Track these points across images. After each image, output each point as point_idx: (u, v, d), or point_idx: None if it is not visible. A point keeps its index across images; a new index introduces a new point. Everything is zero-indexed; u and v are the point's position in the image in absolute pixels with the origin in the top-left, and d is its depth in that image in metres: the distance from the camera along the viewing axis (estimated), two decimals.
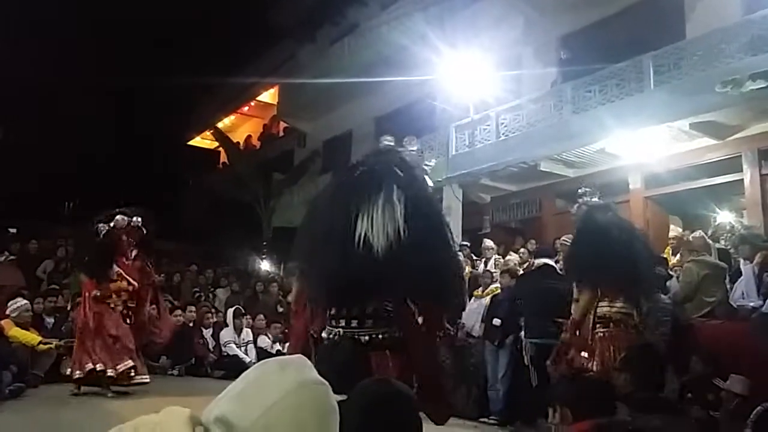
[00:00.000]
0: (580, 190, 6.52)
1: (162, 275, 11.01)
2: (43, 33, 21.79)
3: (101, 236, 7.59)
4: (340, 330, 3.69)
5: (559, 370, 5.40)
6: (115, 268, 7.62)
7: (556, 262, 7.33)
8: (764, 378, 5.60)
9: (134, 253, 7.91)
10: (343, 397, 2.18)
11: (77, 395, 7.32)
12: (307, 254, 3.88)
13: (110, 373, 7.23)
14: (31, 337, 7.96)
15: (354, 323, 3.67)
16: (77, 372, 7.28)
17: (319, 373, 1.23)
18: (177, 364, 9.66)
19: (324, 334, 3.87)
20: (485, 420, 7.49)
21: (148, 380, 7.61)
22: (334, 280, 3.55)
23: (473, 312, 8.22)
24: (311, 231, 3.89)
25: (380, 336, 3.66)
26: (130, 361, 7.36)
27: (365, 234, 3.45)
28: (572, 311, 5.44)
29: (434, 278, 3.61)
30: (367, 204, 3.54)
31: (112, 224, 7.59)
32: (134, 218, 7.77)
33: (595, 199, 6.19)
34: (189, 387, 8.31)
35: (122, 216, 7.69)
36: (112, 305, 7.51)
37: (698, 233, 8.27)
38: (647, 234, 6.15)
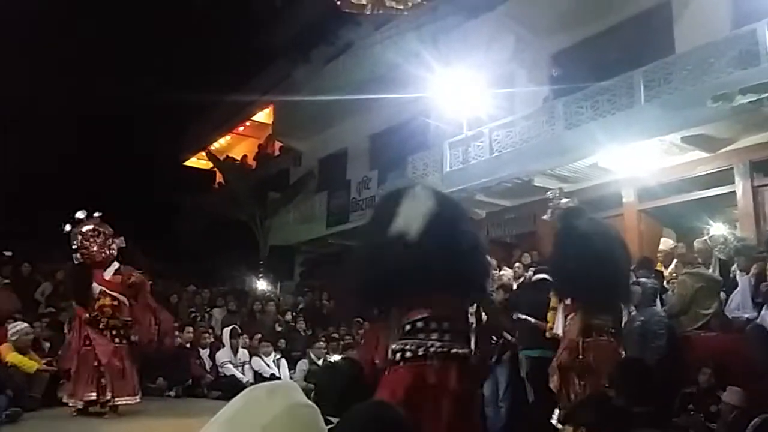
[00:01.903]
0: (548, 194, 6.48)
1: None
2: (35, 46, 21.83)
3: (73, 247, 7.53)
4: (434, 343, 3.39)
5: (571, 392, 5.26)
6: (96, 286, 7.57)
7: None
8: (761, 389, 5.61)
9: (115, 267, 7.75)
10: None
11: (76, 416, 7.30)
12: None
13: (108, 400, 7.26)
14: (30, 364, 7.90)
15: (447, 336, 3.41)
16: (77, 402, 7.26)
17: (318, 396, 1.25)
18: (174, 385, 9.60)
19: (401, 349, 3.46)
20: None
21: (136, 401, 7.58)
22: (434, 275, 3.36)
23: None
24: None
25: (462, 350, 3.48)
26: (127, 396, 7.35)
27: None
28: (562, 329, 5.36)
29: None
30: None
31: (77, 228, 7.53)
32: (94, 218, 7.64)
33: (565, 201, 6.13)
34: (186, 408, 8.26)
35: (91, 224, 7.61)
36: (102, 327, 7.46)
37: (699, 241, 8.34)
38: (623, 237, 6.02)
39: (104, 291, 7.53)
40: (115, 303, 7.54)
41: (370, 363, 3.66)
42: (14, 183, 20.22)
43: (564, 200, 6.01)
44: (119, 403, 7.33)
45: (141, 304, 7.83)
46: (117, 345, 7.49)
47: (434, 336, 3.40)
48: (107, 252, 7.69)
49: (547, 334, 5.98)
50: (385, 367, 3.51)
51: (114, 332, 7.51)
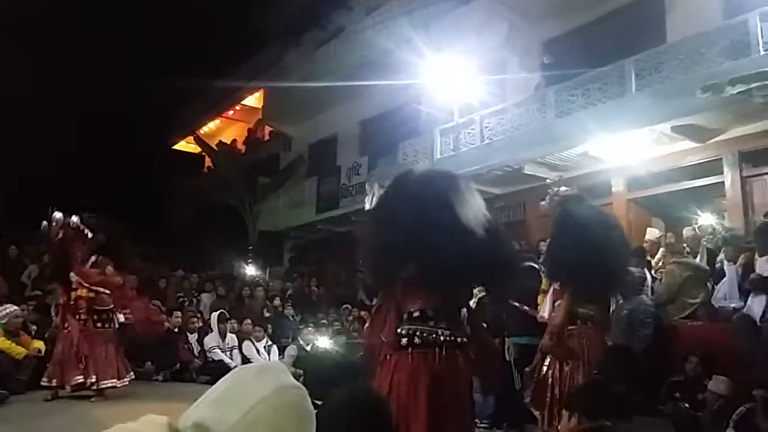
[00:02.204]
0: (548, 180, 6.49)
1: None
2: (23, 32, 21.59)
3: (52, 239, 7.57)
4: (439, 330, 3.41)
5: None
6: (74, 277, 7.56)
7: (540, 263, 7.38)
8: (746, 379, 5.66)
9: (92, 260, 7.74)
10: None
11: (51, 400, 7.30)
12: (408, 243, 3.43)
13: (93, 383, 7.28)
14: (18, 350, 7.89)
15: (443, 324, 3.43)
16: (63, 383, 7.31)
17: (307, 379, 1.24)
18: (161, 369, 9.59)
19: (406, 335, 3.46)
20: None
21: (123, 384, 7.62)
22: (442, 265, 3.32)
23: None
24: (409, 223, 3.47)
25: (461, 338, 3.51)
26: (111, 379, 7.41)
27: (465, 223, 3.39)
28: (548, 314, 5.37)
29: (507, 270, 3.70)
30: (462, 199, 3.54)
31: (53, 224, 7.54)
32: (72, 218, 7.58)
33: (564, 189, 6.13)
34: (173, 392, 8.25)
35: (60, 213, 7.59)
36: (79, 314, 7.47)
37: (688, 229, 8.38)
38: (621, 226, 6.04)
39: (80, 282, 7.53)
40: (92, 294, 7.54)
41: (379, 346, 3.64)
42: (3, 168, 20.03)
43: (563, 188, 6.01)
44: (104, 386, 7.34)
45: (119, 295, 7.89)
46: (99, 329, 7.51)
47: (442, 324, 3.42)
48: (84, 248, 7.70)
49: (538, 318, 6.01)
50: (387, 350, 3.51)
51: (95, 317, 7.53)
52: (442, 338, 3.39)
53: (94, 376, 7.28)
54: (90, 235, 7.69)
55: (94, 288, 7.55)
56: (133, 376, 7.88)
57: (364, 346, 3.62)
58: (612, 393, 3.52)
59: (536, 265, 7.22)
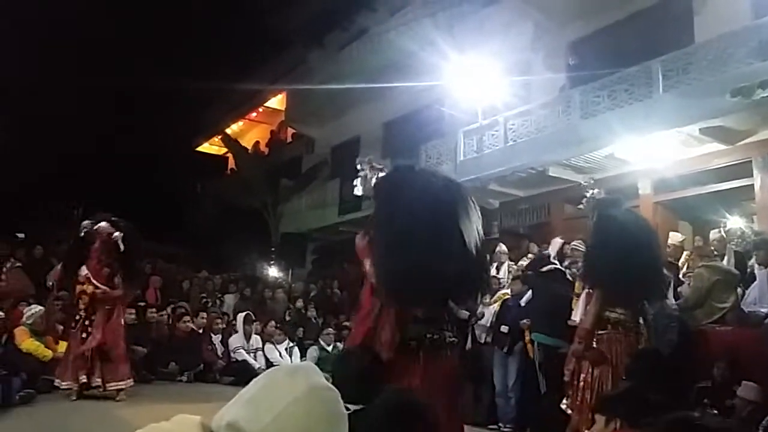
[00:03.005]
0: (584, 182, 6.47)
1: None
2: (48, 33, 21.91)
3: (80, 234, 7.63)
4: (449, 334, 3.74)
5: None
6: (83, 270, 7.61)
7: (566, 267, 7.32)
8: None
9: (106, 262, 7.74)
10: (358, 406, 2.20)
11: (76, 399, 7.35)
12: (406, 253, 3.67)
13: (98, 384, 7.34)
14: (44, 352, 7.96)
15: (452, 327, 3.79)
16: (72, 384, 7.33)
17: (336, 382, 1.23)
18: (185, 370, 9.64)
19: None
20: (494, 428, 7.47)
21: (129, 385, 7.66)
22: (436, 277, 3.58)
23: (482, 319, 8.19)
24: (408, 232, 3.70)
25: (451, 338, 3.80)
26: (119, 381, 7.45)
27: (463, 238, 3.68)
28: (580, 318, 5.33)
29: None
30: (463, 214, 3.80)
31: (95, 227, 7.60)
32: (116, 233, 7.63)
33: (598, 191, 6.10)
34: (198, 393, 8.30)
35: (107, 224, 7.64)
36: (77, 315, 7.52)
37: (715, 232, 8.25)
38: (657, 232, 5.99)
39: (89, 277, 7.57)
40: (98, 291, 7.57)
41: (371, 333, 3.74)
42: (29, 167, 20.33)
43: (599, 191, 6.00)
44: (111, 387, 7.38)
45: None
46: (105, 327, 7.53)
47: (447, 326, 3.50)
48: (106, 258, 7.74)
49: (569, 322, 5.99)
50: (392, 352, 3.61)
51: (94, 318, 7.58)
52: (448, 341, 3.63)
53: (98, 379, 7.33)
54: (122, 247, 7.72)
55: (101, 286, 7.59)
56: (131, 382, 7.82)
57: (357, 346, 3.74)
58: (652, 399, 3.46)
59: (563, 268, 7.17)
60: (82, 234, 7.66)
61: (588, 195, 5.82)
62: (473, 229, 3.79)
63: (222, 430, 1.16)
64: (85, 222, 7.69)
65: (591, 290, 5.17)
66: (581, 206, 6.00)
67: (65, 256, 7.90)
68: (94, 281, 7.56)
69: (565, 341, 6.12)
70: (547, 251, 7.92)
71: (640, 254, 4.86)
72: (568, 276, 7.03)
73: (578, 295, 5.77)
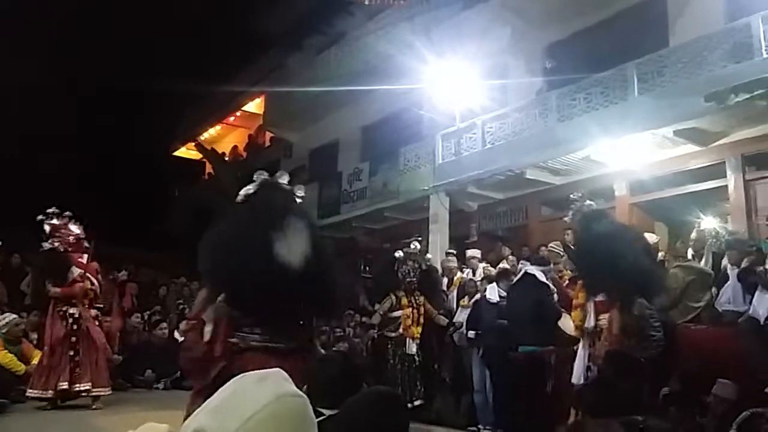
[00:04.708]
0: (572, 196, 6.55)
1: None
2: (20, 35, 21.61)
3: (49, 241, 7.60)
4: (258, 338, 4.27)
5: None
6: (75, 269, 7.54)
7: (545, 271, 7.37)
8: (751, 383, 5.62)
9: (86, 256, 7.81)
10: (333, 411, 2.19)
11: (50, 409, 7.24)
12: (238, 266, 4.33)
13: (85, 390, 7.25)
14: (17, 367, 7.83)
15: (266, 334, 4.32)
16: (46, 393, 7.24)
17: (310, 388, 1.21)
18: (162, 377, 9.55)
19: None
20: (474, 429, 7.48)
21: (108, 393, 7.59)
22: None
23: (460, 321, 8.20)
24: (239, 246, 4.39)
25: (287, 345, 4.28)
26: (88, 383, 7.39)
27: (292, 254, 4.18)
28: (579, 320, 5.47)
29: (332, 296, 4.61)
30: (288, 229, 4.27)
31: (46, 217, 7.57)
32: (71, 226, 7.71)
33: (588, 203, 6.19)
34: (175, 400, 8.16)
35: (57, 220, 7.68)
36: (71, 320, 7.42)
37: (696, 231, 8.36)
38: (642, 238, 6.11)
39: (83, 274, 7.50)
40: (95, 287, 7.54)
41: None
42: (4, 174, 20.02)
43: (587, 202, 6.11)
44: (95, 393, 7.31)
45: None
46: (91, 332, 7.48)
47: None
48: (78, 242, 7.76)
49: (573, 332, 6.10)
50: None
51: (93, 316, 7.53)
52: (272, 345, 4.19)
53: (88, 384, 7.23)
54: (87, 244, 7.71)
55: (95, 280, 7.56)
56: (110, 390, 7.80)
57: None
58: (616, 391, 3.50)
59: (534, 271, 7.20)
60: (50, 249, 7.60)
61: (573, 207, 5.93)
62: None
63: None
64: (45, 244, 7.62)
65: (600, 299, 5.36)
66: (567, 219, 6.13)
67: (44, 272, 7.85)
68: (91, 277, 7.54)
69: (549, 345, 6.25)
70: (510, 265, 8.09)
71: (630, 257, 5.04)
72: (543, 279, 7.06)
73: (582, 305, 5.92)
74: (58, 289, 7.50)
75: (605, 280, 5.30)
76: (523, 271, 7.37)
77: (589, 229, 5.62)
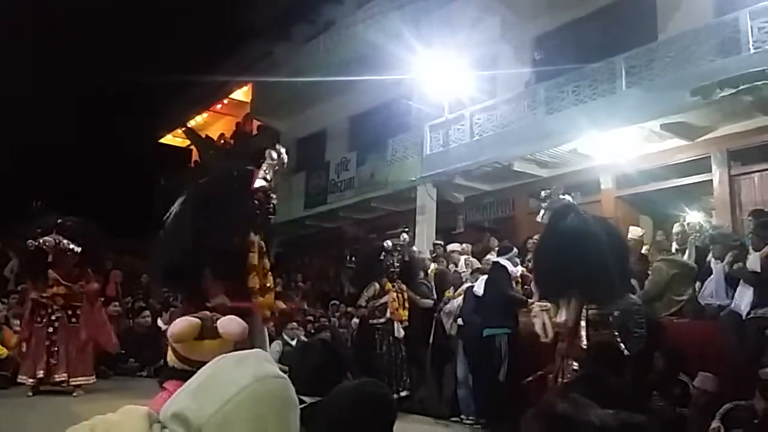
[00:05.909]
0: (543, 193, 6.60)
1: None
2: (5, 25, 21.30)
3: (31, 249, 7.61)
4: None
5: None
6: (52, 274, 7.53)
7: (529, 261, 7.45)
8: (733, 376, 5.66)
9: (72, 262, 7.77)
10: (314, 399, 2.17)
11: (33, 395, 7.22)
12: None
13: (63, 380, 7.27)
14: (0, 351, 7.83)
15: None
16: (28, 380, 7.27)
17: (293, 374, 1.19)
18: (146, 365, 9.50)
19: None
20: (457, 420, 7.50)
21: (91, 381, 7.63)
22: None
23: (447, 312, 8.21)
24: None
25: None
26: (82, 377, 7.46)
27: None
28: (558, 317, 5.44)
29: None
30: None
31: (42, 243, 7.52)
32: (64, 241, 7.62)
33: (561, 197, 6.20)
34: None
35: (52, 236, 7.59)
36: (49, 313, 7.44)
37: (678, 225, 8.41)
38: (617, 229, 6.08)
39: (58, 280, 7.48)
40: (69, 292, 7.52)
41: None
42: None
43: (561, 197, 6.13)
44: (75, 383, 7.31)
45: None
46: (72, 324, 7.48)
47: None
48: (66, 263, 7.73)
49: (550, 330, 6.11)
50: None
51: (69, 313, 7.51)
52: None
53: (65, 374, 7.25)
54: (76, 249, 7.65)
55: (71, 285, 7.54)
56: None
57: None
58: (605, 386, 3.51)
59: (502, 261, 7.42)
60: (33, 249, 7.56)
61: (543, 206, 5.94)
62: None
63: (168, 420, 1.13)
64: (29, 241, 7.59)
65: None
66: (538, 219, 6.16)
67: (24, 269, 7.86)
68: (65, 282, 7.51)
69: (506, 327, 6.68)
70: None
71: (592, 259, 4.98)
72: (510, 267, 7.36)
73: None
74: (34, 294, 7.57)
75: (550, 282, 5.32)
76: (491, 261, 7.71)
77: (549, 230, 5.63)
